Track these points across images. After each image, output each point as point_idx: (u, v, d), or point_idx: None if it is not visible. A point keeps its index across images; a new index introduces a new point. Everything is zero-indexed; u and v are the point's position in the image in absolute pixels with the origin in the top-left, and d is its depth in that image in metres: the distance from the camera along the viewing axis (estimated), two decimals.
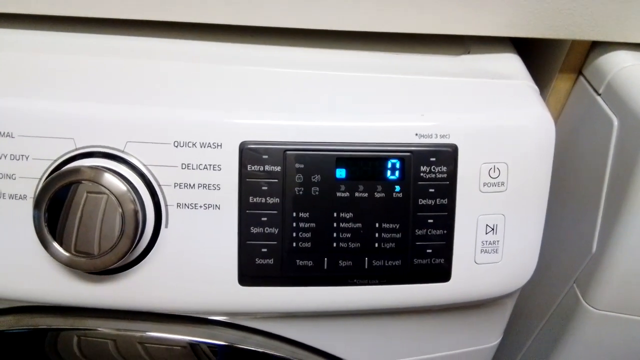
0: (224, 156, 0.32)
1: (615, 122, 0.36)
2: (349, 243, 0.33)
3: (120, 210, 0.31)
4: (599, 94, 0.39)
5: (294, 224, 0.33)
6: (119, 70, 0.35)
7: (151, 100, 0.33)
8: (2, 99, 0.32)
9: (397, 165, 0.32)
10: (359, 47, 0.39)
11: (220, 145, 0.32)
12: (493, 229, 0.34)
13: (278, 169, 0.32)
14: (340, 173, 0.32)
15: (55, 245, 0.31)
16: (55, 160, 0.32)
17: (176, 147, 0.32)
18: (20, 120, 0.32)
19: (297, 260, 0.33)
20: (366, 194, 0.33)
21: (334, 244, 0.33)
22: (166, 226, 0.33)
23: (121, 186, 0.31)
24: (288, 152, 0.32)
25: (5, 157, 0.32)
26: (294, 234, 0.33)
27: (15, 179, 0.32)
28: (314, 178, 0.32)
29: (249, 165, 0.32)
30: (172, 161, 0.32)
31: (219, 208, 0.32)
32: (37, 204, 0.31)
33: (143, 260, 0.33)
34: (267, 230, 0.33)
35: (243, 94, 0.34)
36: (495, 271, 0.34)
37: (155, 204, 0.32)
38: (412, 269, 0.33)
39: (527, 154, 0.33)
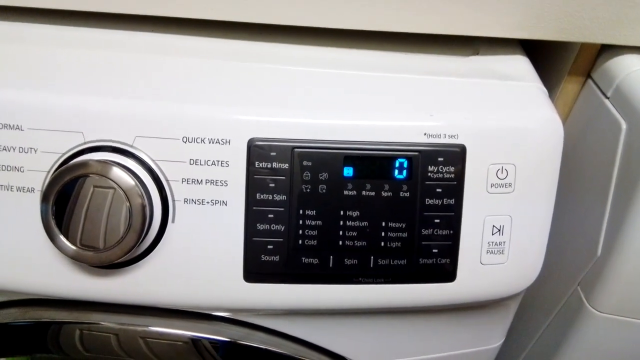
0: (232, 152, 0.32)
1: (624, 125, 0.36)
2: (355, 241, 0.33)
3: (128, 204, 0.31)
4: (608, 98, 0.38)
5: (300, 222, 0.33)
6: (130, 65, 0.35)
7: (161, 96, 0.33)
8: (12, 92, 0.32)
9: (405, 165, 0.32)
10: (369, 47, 0.39)
11: (229, 142, 0.32)
12: (499, 230, 0.34)
13: (286, 166, 0.32)
14: (348, 171, 0.32)
15: (62, 238, 0.31)
16: (64, 154, 0.32)
17: (185, 142, 0.32)
18: (29, 114, 0.32)
19: (303, 258, 0.33)
20: (373, 193, 0.33)
21: (340, 242, 0.33)
22: (173, 221, 0.33)
23: (129, 180, 0.31)
24: (296, 150, 0.32)
25: (14, 149, 0.32)
26: (300, 232, 0.33)
27: (23, 171, 0.32)
28: (321, 176, 0.32)
29: (256, 162, 0.32)
30: (180, 156, 0.32)
31: (226, 204, 0.33)
32: (44, 197, 0.31)
33: (149, 255, 0.33)
34: (273, 227, 0.33)
35: (252, 90, 0.34)
36: (500, 272, 0.34)
37: (163, 199, 0.32)
38: (417, 269, 0.33)
39: (535, 156, 0.33)
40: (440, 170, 0.33)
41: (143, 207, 0.31)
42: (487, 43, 0.41)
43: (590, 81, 0.41)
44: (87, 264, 0.33)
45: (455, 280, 0.34)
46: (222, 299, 0.34)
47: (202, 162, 0.32)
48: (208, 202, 0.33)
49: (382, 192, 0.33)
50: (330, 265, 0.33)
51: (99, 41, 0.37)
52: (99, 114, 0.32)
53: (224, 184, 0.32)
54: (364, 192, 0.32)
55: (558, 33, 0.37)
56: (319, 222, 0.33)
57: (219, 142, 0.32)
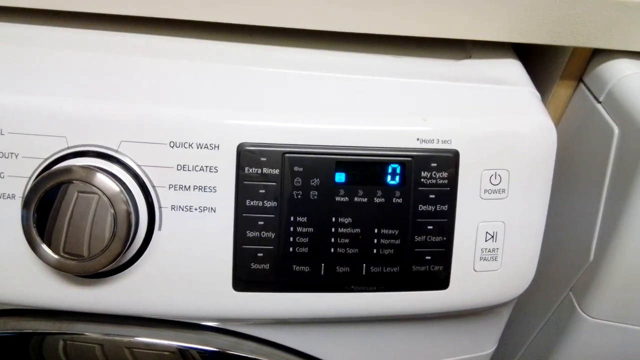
0: (221, 158, 0.31)
1: (616, 130, 0.36)
2: (347, 249, 0.32)
3: (113, 211, 0.30)
4: (600, 102, 0.38)
5: (291, 229, 0.32)
6: (115, 67, 0.34)
7: (147, 99, 0.32)
8: None
9: (398, 170, 0.32)
10: (361, 50, 0.39)
11: (218, 147, 0.31)
12: (493, 237, 0.33)
13: (276, 172, 0.31)
14: (340, 177, 0.32)
15: (44, 247, 0.30)
16: (46, 159, 0.31)
17: (172, 147, 0.31)
18: (10, 117, 0.31)
19: (294, 266, 0.32)
20: (366, 199, 0.32)
21: (332, 250, 0.32)
22: (159, 229, 0.32)
23: (114, 187, 0.30)
24: (287, 155, 0.31)
25: None
26: (291, 239, 0.32)
27: (3, 177, 0.31)
28: (312, 182, 0.32)
29: (246, 168, 0.31)
30: (167, 162, 0.31)
31: (214, 211, 0.32)
32: (25, 204, 0.30)
33: (135, 264, 0.32)
34: (263, 234, 0.32)
35: (243, 94, 0.33)
36: (493, 279, 0.34)
37: (149, 206, 0.32)
38: (410, 276, 0.33)
39: (529, 161, 0.33)
40: (433, 176, 0.32)
41: (128, 214, 0.30)
42: (479, 47, 0.40)
43: (582, 85, 0.41)
44: (71, 274, 0.32)
45: (448, 288, 0.33)
46: (210, 308, 0.33)
47: (190, 168, 0.31)
48: (196, 209, 0.32)
49: (375, 198, 0.32)
50: (322, 273, 0.32)
51: (83, 42, 0.36)
52: (83, 117, 0.31)
53: (213, 190, 0.32)
54: (356, 199, 0.32)
55: (550, 37, 0.37)
56: (310, 229, 0.32)
57: (207, 147, 0.31)
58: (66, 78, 0.33)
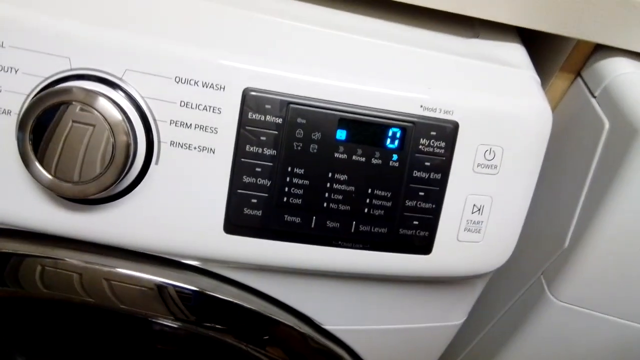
0: (225, 99, 0.31)
1: (607, 125, 0.37)
2: (340, 205, 0.33)
3: (113, 140, 0.30)
4: (595, 97, 0.40)
5: (287, 179, 0.32)
6: None
7: (157, 30, 0.31)
8: None
9: (398, 135, 0.33)
10: (375, 15, 0.39)
11: (223, 88, 0.31)
12: (479, 210, 0.34)
13: (279, 120, 0.32)
14: (341, 134, 0.32)
15: (37, 165, 0.30)
16: (47, 78, 0.30)
17: (177, 82, 0.31)
18: (13, 30, 0.30)
19: (286, 216, 0.33)
20: (363, 159, 0.33)
21: (325, 204, 0.33)
22: (156, 163, 0.32)
23: (116, 115, 0.30)
24: (292, 105, 0.32)
25: None
26: (286, 189, 0.32)
27: (0, 91, 0.30)
28: (314, 135, 0.32)
29: (250, 113, 0.31)
30: (171, 97, 0.31)
31: (213, 152, 0.32)
32: (22, 121, 0.29)
33: (127, 195, 0.32)
34: (259, 181, 0.32)
35: (255, 40, 0.33)
36: (475, 250, 0.35)
37: (148, 139, 0.31)
38: (396, 238, 0.34)
39: (523, 141, 0.34)
40: (432, 144, 0.33)
41: (128, 144, 0.30)
42: (487, 28, 0.41)
43: (579, 79, 0.42)
44: (62, 196, 0.32)
45: (431, 254, 0.35)
46: (199, 247, 0.34)
47: (194, 106, 0.31)
48: (195, 148, 0.32)
49: (372, 159, 0.33)
50: (312, 225, 0.33)
51: None
52: (89, 40, 0.30)
53: (214, 131, 0.32)
54: (354, 157, 0.32)
55: (556, 26, 0.37)
56: (306, 182, 0.32)
57: (212, 87, 0.31)
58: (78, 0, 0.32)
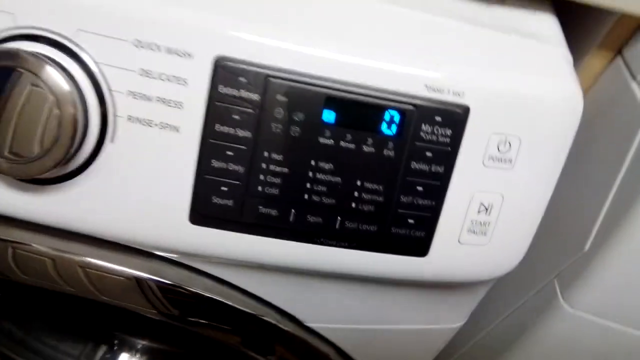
0: (193, 69, 0.26)
1: None
2: (323, 198, 0.28)
3: (58, 112, 0.26)
4: (636, 80, 0.34)
5: (263, 165, 0.28)
6: None
7: None
8: None
9: (397, 119, 0.28)
10: None
11: (191, 55, 0.26)
12: (487, 209, 0.30)
13: (256, 97, 0.27)
14: (328, 116, 0.27)
15: None
16: None
17: (137, 47, 0.26)
18: None
19: (260, 207, 0.28)
20: (353, 146, 0.28)
21: (306, 196, 0.28)
22: (112, 140, 0.28)
23: (63, 84, 0.25)
24: (271, 80, 0.27)
25: None
26: (261, 177, 0.28)
27: None
28: (296, 116, 0.27)
29: (221, 86, 0.27)
30: (129, 64, 0.26)
31: (177, 130, 0.27)
32: None
33: (81, 175, 0.28)
34: (231, 166, 0.28)
35: (231, 1, 0.27)
36: (478, 254, 0.31)
37: (102, 112, 0.27)
38: (388, 238, 0.29)
39: (546, 131, 0.29)
40: (436, 131, 0.28)
41: (75, 119, 0.26)
42: None
43: (619, 59, 0.36)
44: (7, 175, 0.28)
45: (427, 256, 0.30)
46: (162, 238, 0.30)
47: (155, 75, 0.26)
48: (157, 125, 0.27)
49: (364, 147, 0.28)
50: (291, 219, 0.29)
51: None
52: None
53: (179, 106, 0.27)
54: (342, 143, 0.28)
55: None
56: (285, 170, 0.28)
57: (178, 54, 0.26)
58: None
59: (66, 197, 0.29)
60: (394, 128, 0.28)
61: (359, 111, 0.27)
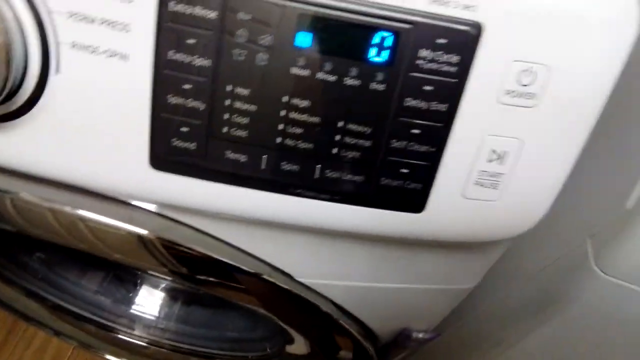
0: None
1: None
2: (299, 141, 0.24)
3: None
4: None
5: (227, 102, 0.23)
6: None
7: None
8: None
9: (388, 42, 0.22)
10: None
11: None
12: (500, 157, 0.24)
13: (214, 14, 0.22)
14: (303, 39, 0.22)
15: None
16: None
17: None
18: None
19: (227, 152, 0.24)
20: (334, 77, 0.23)
21: (278, 139, 0.24)
22: (57, 71, 0.24)
23: None
24: None
25: None
26: (226, 115, 0.24)
27: None
28: (262, 39, 0.22)
29: (171, 3, 0.22)
30: None
31: (127, 59, 0.23)
32: None
33: (28, 113, 0.25)
34: (189, 103, 0.24)
35: None
36: (486, 211, 0.26)
37: (42, 38, 0.23)
38: (376, 190, 0.25)
39: (586, 58, 0.22)
40: (438, 58, 0.22)
41: (7, 45, 0.22)
42: None
43: None
44: None
45: (424, 212, 0.25)
46: (122, 183, 0.27)
47: None
48: (103, 52, 0.23)
49: (347, 79, 0.23)
50: (262, 167, 0.25)
51: None
52: None
53: (125, 29, 0.23)
54: (319, 75, 0.23)
55: None
56: (252, 107, 0.23)
57: None
58: None
59: (16, 137, 0.26)
60: (384, 54, 0.22)
61: (340, 33, 0.22)
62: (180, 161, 0.25)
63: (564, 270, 0.34)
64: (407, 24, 0.22)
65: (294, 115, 0.23)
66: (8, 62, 0.23)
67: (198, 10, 0.22)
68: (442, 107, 0.23)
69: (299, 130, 0.24)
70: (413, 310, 0.38)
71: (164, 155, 0.25)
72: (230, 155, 0.25)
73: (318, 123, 0.23)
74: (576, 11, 0.22)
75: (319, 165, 0.24)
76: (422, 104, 0.23)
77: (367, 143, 0.24)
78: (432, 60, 0.22)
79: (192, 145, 0.24)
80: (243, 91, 0.23)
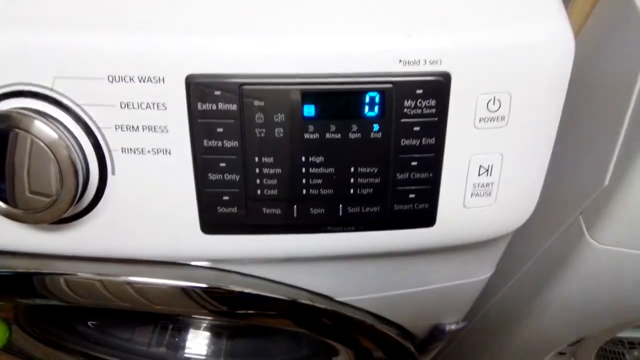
0: (168, 92, 0.27)
1: None
2: (321, 190, 0.29)
3: (54, 158, 0.27)
4: None
5: (257, 170, 0.28)
6: None
7: (76, 24, 0.27)
8: None
9: (377, 100, 0.27)
10: None
11: (163, 80, 0.27)
12: (487, 170, 0.29)
13: (234, 107, 0.27)
14: (309, 110, 0.27)
15: None
16: None
17: (111, 82, 0.27)
18: None
19: (264, 209, 0.29)
20: (339, 135, 0.28)
21: (304, 191, 0.29)
22: (113, 173, 0.29)
23: (50, 132, 0.27)
24: (244, 87, 0.27)
25: None
26: (258, 181, 0.29)
27: None
28: (276, 117, 0.27)
29: (199, 104, 0.27)
30: (108, 99, 0.27)
31: (169, 153, 0.28)
32: None
33: (95, 209, 0.30)
34: (227, 176, 0.29)
35: (186, 15, 0.27)
36: (486, 215, 0.30)
37: (97, 149, 0.28)
38: (392, 215, 0.30)
39: (537, 82, 0.27)
40: (419, 104, 0.27)
41: (72, 160, 0.27)
42: None
43: None
44: (32, 224, 0.30)
45: (435, 225, 0.30)
46: (180, 250, 0.32)
47: (135, 105, 0.27)
48: (149, 151, 0.28)
49: (350, 134, 0.28)
50: (295, 215, 0.30)
51: None
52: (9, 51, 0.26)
53: (164, 130, 0.28)
54: (328, 135, 0.28)
55: None
56: (278, 170, 0.28)
57: (151, 80, 0.27)
58: None
59: (85, 230, 0.31)
60: (376, 109, 0.27)
61: (338, 100, 0.27)
62: (226, 223, 0.30)
63: (565, 246, 0.39)
64: (388, 84, 0.27)
65: (313, 170, 0.28)
66: (75, 173, 0.28)
67: (221, 106, 0.27)
68: (431, 140, 0.28)
69: (319, 181, 0.29)
70: (441, 307, 0.43)
71: (212, 221, 0.30)
72: (267, 211, 0.30)
73: (334, 172, 0.28)
74: (520, 45, 0.27)
75: (341, 205, 0.29)
76: (415, 142, 0.28)
77: (377, 180, 0.29)
78: (415, 107, 0.27)
79: (234, 210, 0.30)
80: (268, 159, 0.28)
